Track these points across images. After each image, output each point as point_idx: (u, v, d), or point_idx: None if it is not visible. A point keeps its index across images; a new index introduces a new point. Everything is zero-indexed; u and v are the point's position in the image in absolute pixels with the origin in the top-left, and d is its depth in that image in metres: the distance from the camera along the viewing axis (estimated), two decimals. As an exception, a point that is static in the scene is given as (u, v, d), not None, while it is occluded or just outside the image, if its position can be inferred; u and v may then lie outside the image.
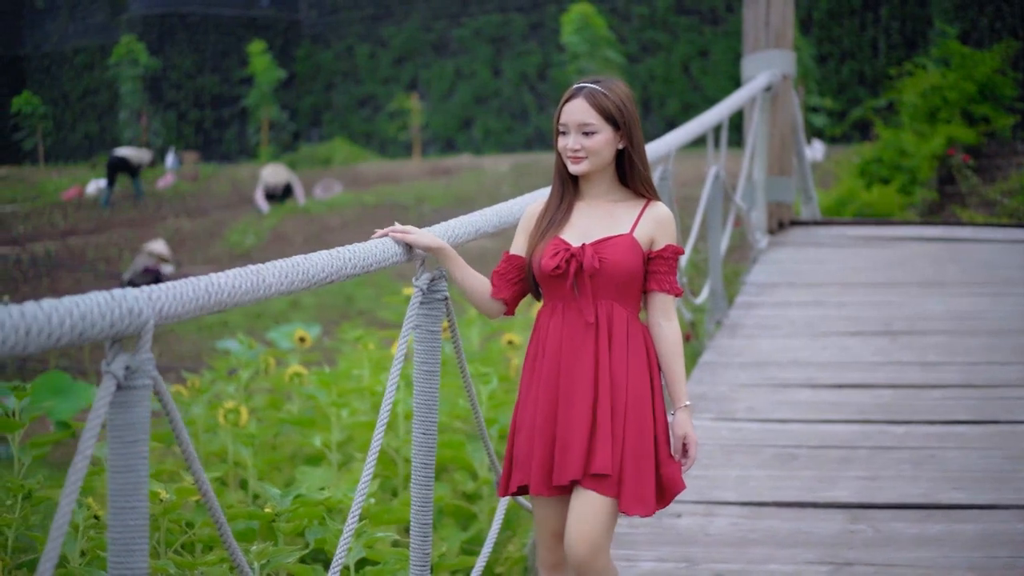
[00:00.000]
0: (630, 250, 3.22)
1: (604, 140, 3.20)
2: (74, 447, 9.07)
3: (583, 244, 3.22)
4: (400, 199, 22.01)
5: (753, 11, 9.83)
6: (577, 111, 3.20)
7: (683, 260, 7.17)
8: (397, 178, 24.03)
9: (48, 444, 5.93)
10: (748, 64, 9.77)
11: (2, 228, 23.06)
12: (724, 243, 8.21)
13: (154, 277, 18.00)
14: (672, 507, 5.15)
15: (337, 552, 3.32)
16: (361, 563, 4.51)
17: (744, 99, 8.80)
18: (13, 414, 5.22)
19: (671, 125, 27.43)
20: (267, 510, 4.65)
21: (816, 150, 19.96)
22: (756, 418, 6.26)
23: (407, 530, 5.28)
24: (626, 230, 3.24)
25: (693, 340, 8.48)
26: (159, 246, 18.19)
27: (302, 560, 4.74)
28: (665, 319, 3.27)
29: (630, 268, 3.22)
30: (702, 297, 7.64)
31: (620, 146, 3.24)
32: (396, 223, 3.39)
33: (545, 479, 3.25)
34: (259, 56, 28.43)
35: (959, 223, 11.43)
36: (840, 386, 6.69)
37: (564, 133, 3.24)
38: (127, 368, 2.49)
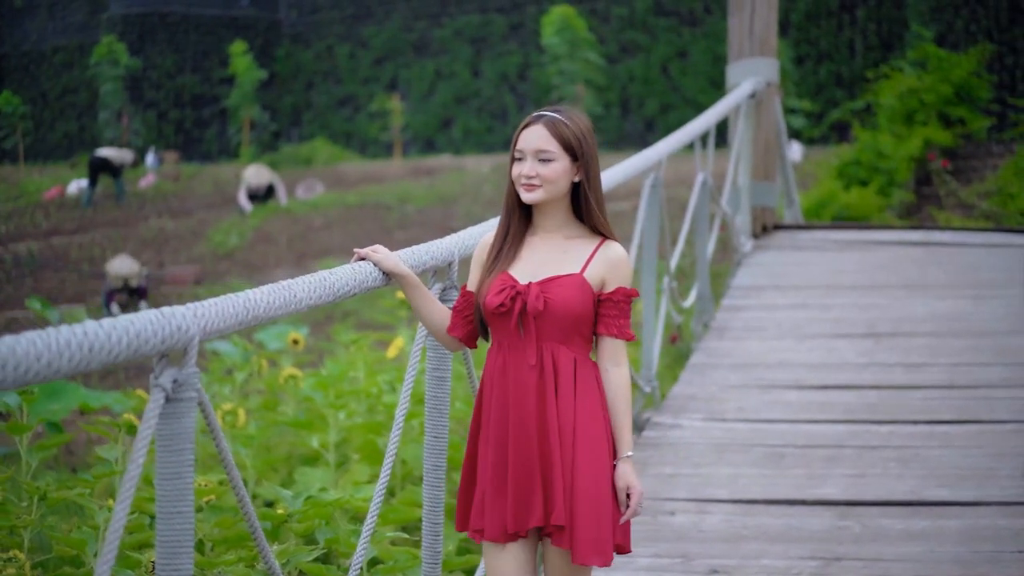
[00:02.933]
0: (578, 291, 3.07)
1: (561, 170, 3.07)
2: (79, 449, 9.19)
3: (529, 283, 3.09)
4: (383, 199, 22.13)
5: (738, 19, 10.04)
6: (535, 138, 3.08)
7: (672, 263, 7.33)
8: (379, 178, 24.15)
9: (55, 447, 6.06)
10: (733, 71, 9.98)
11: (-17, 228, 23.08)
12: (711, 247, 8.41)
13: (129, 292, 17.98)
14: (666, 505, 5.34)
15: (356, 552, 3.49)
16: (371, 562, 4.67)
17: (730, 106, 9.00)
18: (20, 416, 5.35)
19: (649, 126, 27.62)
20: (279, 511, 4.82)
21: (794, 151, 20.18)
22: (745, 418, 6.45)
23: (403, 529, 5.44)
24: (576, 269, 3.10)
25: (680, 343, 8.66)
26: (120, 266, 17.97)
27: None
28: (613, 364, 3.11)
29: (576, 310, 3.07)
30: (690, 300, 7.82)
31: (576, 179, 3.11)
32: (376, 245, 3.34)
33: (499, 525, 3.11)
34: (240, 56, 28.52)
35: (939, 227, 11.65)
36: (826, 387, 6.89)
37: (520, 159, 3.11)
38: (175, 381, 2.65)
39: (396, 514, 5.14)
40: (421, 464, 6.55)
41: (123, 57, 29.67)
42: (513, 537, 3.11)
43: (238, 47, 28.73)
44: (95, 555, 4.41)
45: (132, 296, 18.00)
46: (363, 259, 3.29)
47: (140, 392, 7.99)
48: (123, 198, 24.03)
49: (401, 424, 3.66)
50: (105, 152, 24.14)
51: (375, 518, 3.53)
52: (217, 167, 27.49)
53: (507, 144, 22.07)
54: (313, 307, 3.15)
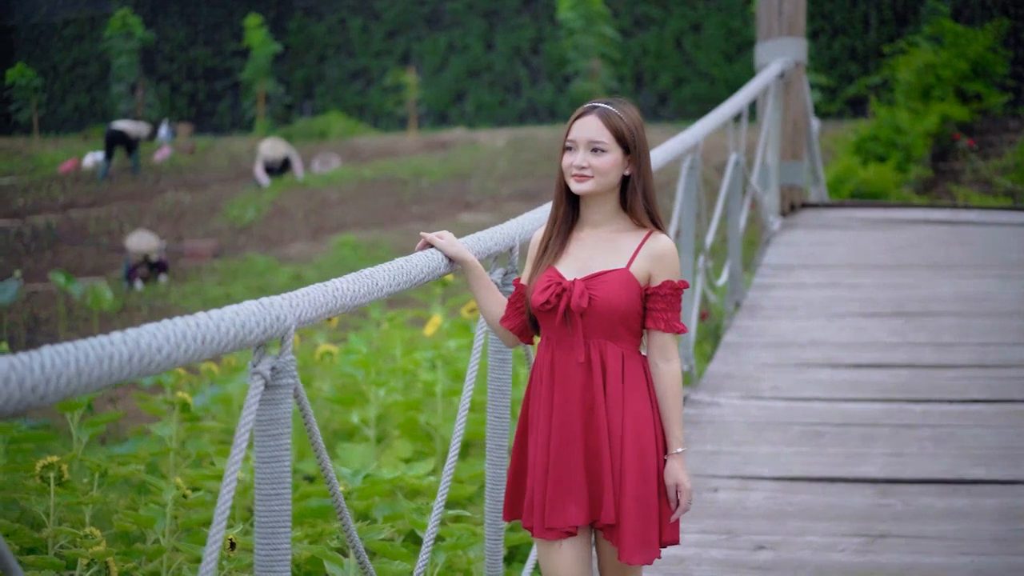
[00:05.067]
0: (623, 287, 3.05)
1: (612, 162, 3.05)
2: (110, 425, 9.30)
3: (575, 279, 3.07)
4: (398, 173, 22.18)
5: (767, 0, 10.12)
6: (589, 128, 3.06)
7: (708, 242, 7.43)
8: (394, 152, 24.19)
9: (103, 423, 6.18)
10: (762, 51, 10.06)
11: (1, 201, 23.14)
12: (742, 226, 8.51)
13: (150, 266, 18.12)
14: (710, 482, 5.47)
15: (428, 529, 3.61)
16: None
17: (761, 87, 9.09)
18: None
19: (663, 100, 27.64)
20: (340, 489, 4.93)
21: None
22: (781, 396, 6.57)
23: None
24: (623, 264, 3.07)
25: (708, 320, 8.79)
26: (139, 241, 18.12)
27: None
28: (663, 359, 3.09)
29: (622, 306, 3.05)
30: (722, 279, 7.93)
31: (627, 172, 3.09)
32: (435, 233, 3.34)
33: (543, 521, 3.11)
34: (255, 29, 28.52)
35: (961, 205, 11.73)
36: (859, 366, 7.00)
37: (571, 149, 3.08)
38: (273, 369, 2.76)
39: (450, 491, 5.26)
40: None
41: (138, 30, 29.70)
42: (565, 534, 3.09)
43: (253, 20, 28.74)
44: (163, 532, 4.53)
45: (152, 270, 18.12)
46: (429, 244, 3.32)
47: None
48: (138, 171, 24.10)
49: (467, 407, 3.74)
50: (121, 125, 24.19)
51: (444, 496, 3.65)
52: (231, 140, 27.54)
53: (520, 118, 22.05)
54: (392, 294, 3.25)
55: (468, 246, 3.37)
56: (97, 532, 4.04)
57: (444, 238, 3.29)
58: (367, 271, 3.16)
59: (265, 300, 2.74)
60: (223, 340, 2.52)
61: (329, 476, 3.04)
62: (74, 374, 2.09)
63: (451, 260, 3.30)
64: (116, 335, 2.23)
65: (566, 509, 3.08)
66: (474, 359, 3.71)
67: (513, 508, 3.27)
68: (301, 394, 2.88)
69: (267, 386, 2.75)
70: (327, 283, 3.00)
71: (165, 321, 2.40)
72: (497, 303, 3.29)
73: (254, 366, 2.73)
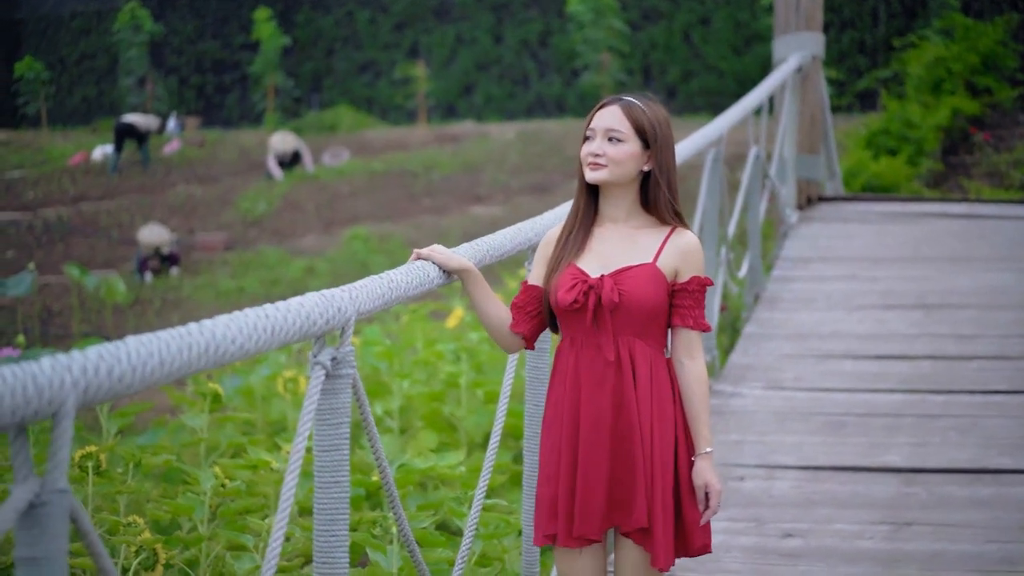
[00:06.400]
0: (652, 281, 2.99)
1: (628, 152, 2.99)
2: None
3: (602, 275, 3.00)
4: (408, 166, 22.24)
5: (785, -6, 10.19)
6: (608, 117, 3.01)
7: (729, 233, 7.49)
8: (404, 145, 24.26)
9: (132, 414, 6.25)
10: (779, 46, 10.13)
11: (11, 194, 23.19)
12: (760, 218, 8.59)
13: (162, 259, 18.20)
14: (735, 471, 5.54)
15: (470, 518, 3.68)
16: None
17: (780, 81, 9.17)
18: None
19: (671, 93, 27.69)
20: (373, 478, 5.01)
21: (820, 119, 20.25)
22: (804, 387, 6.64)
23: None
24: (648, 259, 3.00)
25: (726, 312, 8.86)
26: (151, 234, 18.19)
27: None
28: (688, 357, 3.02)
29: (652, 301, 2.98)
30: (742, 271, 8.01)
31: (646, 167, 3.03)
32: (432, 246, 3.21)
33: (569, 529, 3.03)
34: (264, 23, 28.57)
35: (975, 200, 11.80)
36: (881, 357, 7.07)
37: (589, 138, 3.03)
38: (333, 359, 2.83)
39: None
40: (482, 431, 6.77)
41: (147, 23, 29.77)
42: (587, 542, 3.03)
43: (262, 13, 28.79)
44: (201, 520, 4.59)
45: (164, 263, 18.20)
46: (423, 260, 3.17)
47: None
48: (148, 164, 24.16)
49: (508, 394, 3.80)
50: (131, 118, 24.26)
51: (486, 486, 3.73)
52: (240, 133, 27.61)
53: (528, 111, 22.06)
54: (443, 284, 3.29)
55: (464, 254, 3.26)
56: (140, 520, 4.11)
57: (437, 251, 3.16)
58: (419, 263, 3.21)
59: (326, 292, 2.80)
60: (290, 331, 2.59)
61: (383, 466, 3.10)
62: (157, 364, 2.15)
63: (449, 273, 3.18)
64: (192, 326, 2.30)
65: (594, 517, 3.01)
66: (511, 362, 3.74)
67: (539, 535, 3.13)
68: (359, 385, 2.95)
69: (328, 376, 2.82)
70: (382, 275, 3.06)
71: (236, 313, 2.46)
72: (502, 310, 3.18)
73: (315, 356, 2.79)
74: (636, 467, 2.98)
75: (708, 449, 3.02)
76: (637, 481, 2.98)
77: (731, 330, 8.42)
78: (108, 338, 14.91)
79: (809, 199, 10.74)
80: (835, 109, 21.98)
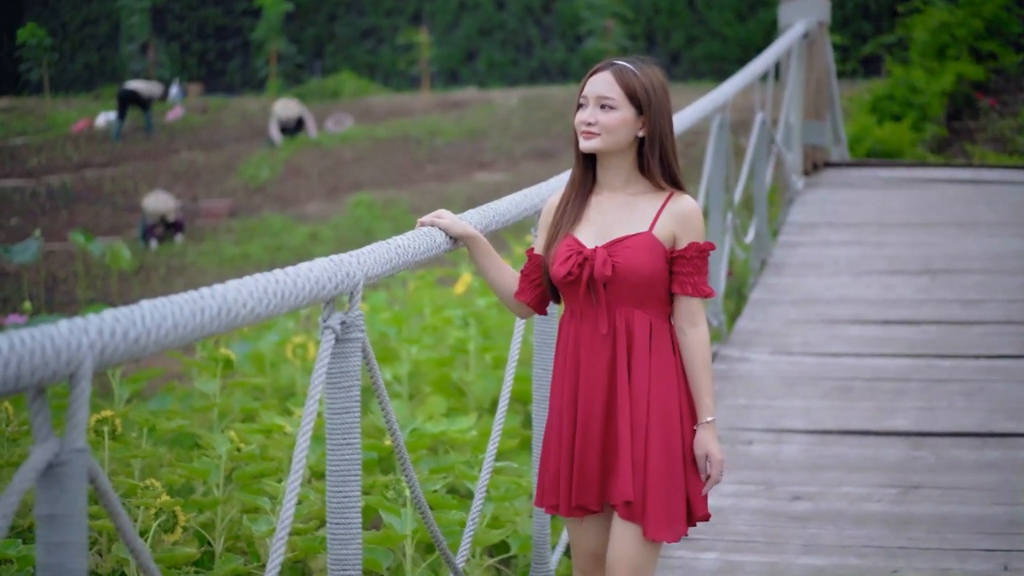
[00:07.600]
0: (648, 251, 2.94)
1: (621, 120, 2.93)
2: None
3: (596, 247, 2.97)
4: (412, 133, 22.20)
5: (790, -41, 10.14)
6: (600, 83, 2.95)
7: (736, 196, 7.48)
8: (407, 112, 24.19)
9: (143, 380, 6.27)
10: (785, 11, 10.10)
11: (15, 160, 23.16)
12: (767, 184, 8.58)
13: (167, 226, 18.20)
14: (743, 435, 5.57)
15: (479, 483, 3.70)
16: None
17: (786, 47, 9.14)
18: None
19: (675, 58, 27.58)
20: (385, 443, 5.03)
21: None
22: (811, 352, 6.66)
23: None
24: (645, 227, 2.96)
25: (732, 277, 8.86)
26: (156, 202, 18.18)
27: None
28: (690, 325, 2.97)
29: (648, 272, 2.94)
30: (749, 237, 8.00)
31: (640, 133, 2.97)
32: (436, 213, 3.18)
33: (569, 500, 3.05)
34: (267, -12, 28.46)
35: (978, 165, 11.79)
36: (887, 322, 7.08)
37: (583, 106, 2.98)
38: (343, 323, 2.84)
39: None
40: (490, 396, 6.79)
41: (149, -11, 29.68)
42: (588, 511, 3.04)
43: (263, -21, 28.66)
44: (216, 484, 4.61)
45: (169, 230, 18.21)
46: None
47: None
48: (152, 131, 24.12)
49: (515, 359, 3.82)
50: (135, 85, 24.19)
51: (495, 450, 3.75)
52: (243, 100, 27.53)
53: (532, 77, 21.95)
54: (450, 249, 3.30)
55: (470, 221, 3.25)
56: (157, 483, 4.13)
57: (444, 218, 3.15)
58: (426, 228, 3.21)
59: (335, 257, 2.81)
60: (299, 295, 2.60)
61: (394, 429, 3.12)
62: (171, 327, 2.17)
63: (455, 240, 3.16)
64: (204, 290, 2.31)
65: (591, 488, 3.01)
66: (518, 329, 3.75)
67: (541, 494, 3.16)
68: (368, 348, 2.95)
69: (337, 340, 2.83)
70: (390, 240, 3.06)
71: (247, 278, 2.47)
72: (509, 276, 3.16)
73: (324, 321, 2.81)
74: (621, 440, 2.96)
75: (710, 418, 2.99)
76: (620, 455, 2.95)
77: (738, 295, 8.43)
78: (113, 304, 14.92)
79: (815, 165, 10.72)
80: (839, 74, 21.88)
